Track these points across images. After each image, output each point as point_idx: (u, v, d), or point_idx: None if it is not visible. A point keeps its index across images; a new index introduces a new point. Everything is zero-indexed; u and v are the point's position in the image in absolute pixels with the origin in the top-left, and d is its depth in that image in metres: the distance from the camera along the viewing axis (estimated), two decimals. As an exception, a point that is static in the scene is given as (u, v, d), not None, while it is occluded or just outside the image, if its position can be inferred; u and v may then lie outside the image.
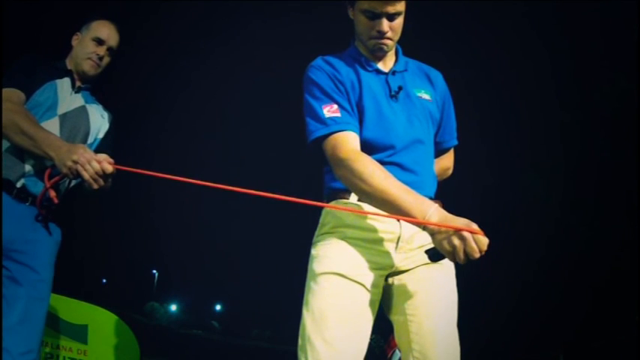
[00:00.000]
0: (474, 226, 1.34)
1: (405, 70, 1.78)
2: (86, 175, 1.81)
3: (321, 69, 1.70)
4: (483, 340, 14.90)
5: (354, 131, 1.60)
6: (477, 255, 1.33)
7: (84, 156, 1.82)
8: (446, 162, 1.96)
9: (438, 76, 1.84)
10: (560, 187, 14.96)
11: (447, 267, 1.67)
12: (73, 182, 2.15)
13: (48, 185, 1.93)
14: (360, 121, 1.67)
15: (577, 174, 14.27)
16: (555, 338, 13.76)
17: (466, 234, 1.33)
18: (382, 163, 1.62)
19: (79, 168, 1.81)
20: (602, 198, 13.54)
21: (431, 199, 1.71)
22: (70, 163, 1.82)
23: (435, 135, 1.83)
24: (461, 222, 1.36)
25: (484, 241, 1.34)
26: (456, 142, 1.92)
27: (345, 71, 1.71)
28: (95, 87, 2.34)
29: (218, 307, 54.47)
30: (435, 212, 1.40)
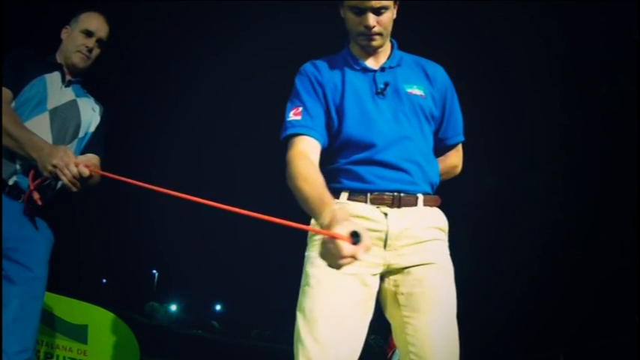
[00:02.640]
0: (338, 231, 1.24)
1: (398, 66, 1.77)
2: (65, 180, 1.84)
3: (305, 72, 1.76)
4: (484, 340, 14.90)
5: (308, 134, 1.64)
6: (338, 262, 1.24)
7: (63, 160, 1.84)
8: (453, 159, 1.91)
9: (437, 71, 1.81)
10: (561, 187, 14.96)
11: (444, 267, 1.65)
12: (60, 183, 2.15)
13: (32, 187, 1.95)
14: (341, 121, 1.69)
15: (577, 174, 14.27)
16: (555, 338, 13.76)
17: (326, 239, 1.27)
18: (366, 161, 1.65)
19: (58, 172, 1.84)
20: (602, 198, 13.55)
21: (427, 194, 1.70)
22: (50, 167, 1.85)
23: (438, 131, 1.81)
24: (338, 226, 1.26)
25: (341, 246, 1.22)
26: (461, 139, 1.87)
27: (329, 73, 1.75)
28: (86, 79, 2.32)
29: (218, 307, 54.44)
30: (327, 215, 1.34)
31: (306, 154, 1.60)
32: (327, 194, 1.45)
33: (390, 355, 5.19)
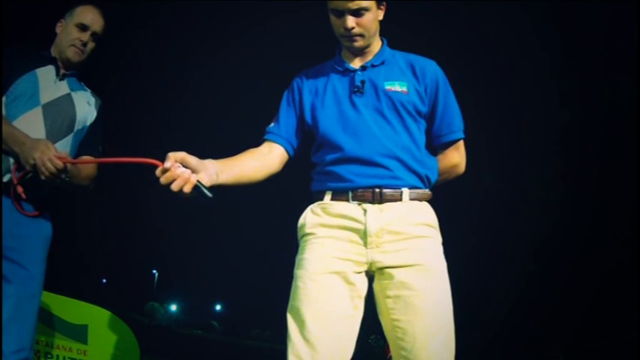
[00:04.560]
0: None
1: (382, 64, 1.78)
2: (42, 177, 1.88)
3: (291, 84, 1.88)
4: (483, 341, 14.89)
5: (271, 139, 1.81)
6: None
7: (40, 158, 1.86)
8: (452, 158, 1.87)
9: (426, 66, 1.80)
10: (560, 187, 14.96)
11: (432, 268, 1.63)
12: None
13: (15, 181, 1.96)
14: (320, 124, 1.76)
15: (577, 174, 14.27)
16: (555, 338, 13.76)
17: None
18: (344, 160, 1.69)
19: (37, 169, 1.87)
20: (601, 198, 13.54)
21: (416, 188, 1.70)
22: (31, 161, 1.88)
23: (430, 128, 1.81)
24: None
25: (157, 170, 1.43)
26: (458, 137, 1.84)
27: (313, 80, 1.83)
28: (83, 72, 2.31)
29: (218, 307, 54.41)
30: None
31: (259, 151, 1.77)
32: (223, 160, 1.61)
33: (389, 355, 5.20)
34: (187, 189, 1.41)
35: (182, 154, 1.45)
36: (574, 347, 12.01)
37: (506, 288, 15.78)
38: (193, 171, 1.45)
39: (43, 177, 1.87)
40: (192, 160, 1.46)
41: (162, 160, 1.42)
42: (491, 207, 16.99)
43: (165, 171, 1.41)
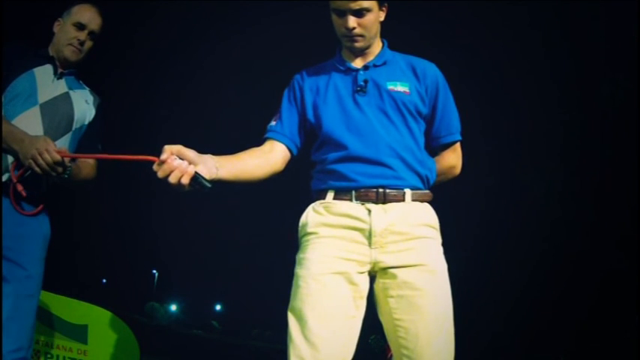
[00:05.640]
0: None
1: (384, 64, 1.79)
2: (39, 170, 1.88)
3: (291, 82, 1.87)
4: (484, 341, 14.90)
5: (274, 138, 1.79)
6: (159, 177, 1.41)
7: (38, 151, 1.86)
8: (449, 160, 1.89)
9: (427, 68, 1.81)
10: (560, 187, 14.97)
11: (434, 269, 1.64)
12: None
13: (15, 179, 1.95)
14: (323, 122, 1.75)
15: (577, 174, 14.27)
16: (555, 338, 13.76)
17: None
18: (347, 159, 1.69)
19: (35, 163, 1.87)
20: (602, 198, 13.55)
21: (417, 189, 1.71)
22: (30, 157, 1.88)
23: (430, 129, 1.82)
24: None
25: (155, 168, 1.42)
26: (456, 138, 1.86)
27: (314, 78, 1.82)
28: (81, 71, 2.31)
29: (218, 307, 54.36)
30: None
31: (261, 149, 1.77)
32: (223, 156, 1.60)
33: (389, 355, 5.19)
34: (185, 180, 1.40)
35: (178, 147, 1.43)
36: (574, 348, 12.01)
37: (506, 288, 15.78)
38: (191, 163, 1.44)
39: (39, 170, 1.87)
40: (189, 152, 1.45)
41: (159, 156, 1.41)
42: (491, 208, 16.99)
43: (162, 164, 1.40)
